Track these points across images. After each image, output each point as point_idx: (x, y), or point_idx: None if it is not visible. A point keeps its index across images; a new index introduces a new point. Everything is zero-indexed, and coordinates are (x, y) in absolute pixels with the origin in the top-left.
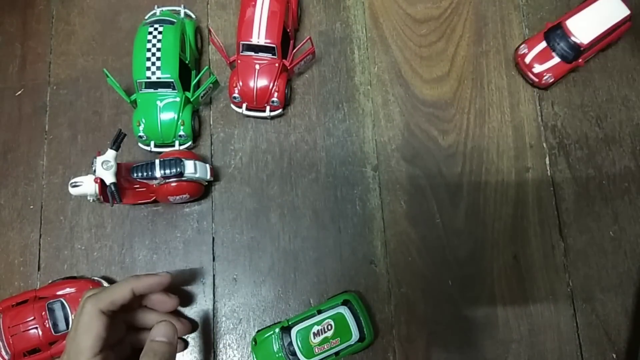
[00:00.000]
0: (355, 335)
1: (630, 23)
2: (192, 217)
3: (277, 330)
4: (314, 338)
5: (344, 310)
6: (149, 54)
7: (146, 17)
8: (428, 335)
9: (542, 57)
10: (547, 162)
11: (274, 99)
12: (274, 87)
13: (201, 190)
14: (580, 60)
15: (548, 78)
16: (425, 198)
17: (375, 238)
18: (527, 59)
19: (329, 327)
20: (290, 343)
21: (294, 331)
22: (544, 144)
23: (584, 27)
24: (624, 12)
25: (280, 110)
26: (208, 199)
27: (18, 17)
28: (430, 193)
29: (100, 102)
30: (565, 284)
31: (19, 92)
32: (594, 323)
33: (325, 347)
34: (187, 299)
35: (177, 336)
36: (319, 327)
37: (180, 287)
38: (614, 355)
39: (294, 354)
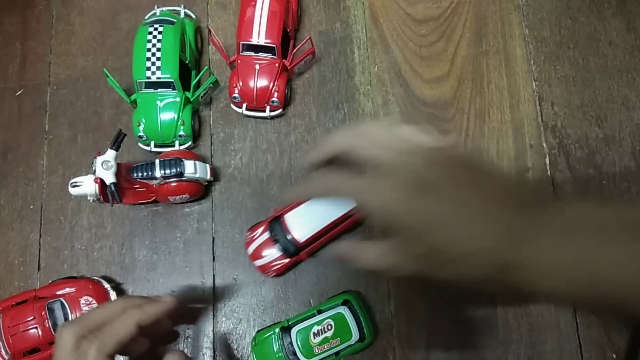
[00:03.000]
0: (355, 335)
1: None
2: (192, 217)
3: (277, 330)
4: (314, 338)
5: (344, 310)
6: (149, 54)
7: (146, 17)
8: (428, 335)
9: (264, 247)
10: (547, 162)
11: (274, 99)
12: (274, 87)
13: (201, 190)
14: (303, 254)
15: (271, 272)
16: None
17: (376, 238)
18: (250, 250)
19: (329, 327)
20: (290, 343)
21: (294, 331)
22: (544, 144)
23: (302, 223)
24: (348, 205)
25: (280, 110)
26: (208, 199)
27: (18, 17)
28: None
29: (100, 102)
30: None
31: (19, 92)
32: (594, 323)
33: (325, 347)
34: (187, 299)
35: None
36: (319, 327)
37: (185, 305)
38: (614, 355)
39: (294, 354)
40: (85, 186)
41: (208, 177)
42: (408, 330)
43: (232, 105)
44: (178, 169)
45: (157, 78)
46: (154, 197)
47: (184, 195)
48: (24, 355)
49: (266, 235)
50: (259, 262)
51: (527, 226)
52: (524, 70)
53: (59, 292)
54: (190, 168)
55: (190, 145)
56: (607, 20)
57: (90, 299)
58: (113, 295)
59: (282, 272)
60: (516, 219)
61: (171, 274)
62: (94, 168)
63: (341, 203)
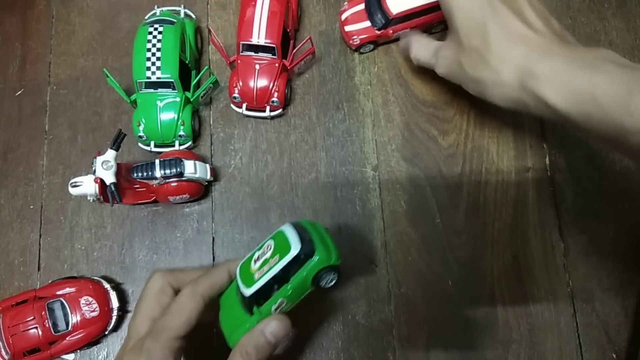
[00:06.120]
0: (295, 246)
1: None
2: (192, 217)
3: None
4: (254, 264)
5: (284, 228)
6: (149, 54)
7: (146, 17)
8: (428, 335)
9: (356, 18)
10: (547, 162)
11: (274, 99)
12: (274, 87)
13: (201, 190)
14: (390, 30)
15: (355, 39)
16: (425, 198)
17: (375, 238)
18: (344, 16)
19: (269, 248)
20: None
21: (237, 267)
22: (544, 144)
23: None
24: None
25: (280, 110)
26: (208, 199)
27: (18, 17)
28: (430, 193)
29: (100, 102)
30: (565, 284)
31: (19, 92)
32: (594, 323)
33: (265, 269)
34: None
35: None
36: (259, 252)
37: None
38: (614, 355)
39: (238, 288)
40: (85, 186)
41: (208, 177)
42: (408, 330)
43: (232, 105)
44: (178, 169)
45: (157, 78)
46: (154, 197)
47: (184, 195)
48: (24, 355)
49: (361, 6)
50: (347, 27)
51: (554, 48)
52: None
53: (59, 292)
54: (190, 168)
55: (190, 145)
56: (607, 20)
57: (90, 299)
58: (113, 295)
59: (365, 44)
60: (552, 41)
61: None
62: (94, 168)
63: None
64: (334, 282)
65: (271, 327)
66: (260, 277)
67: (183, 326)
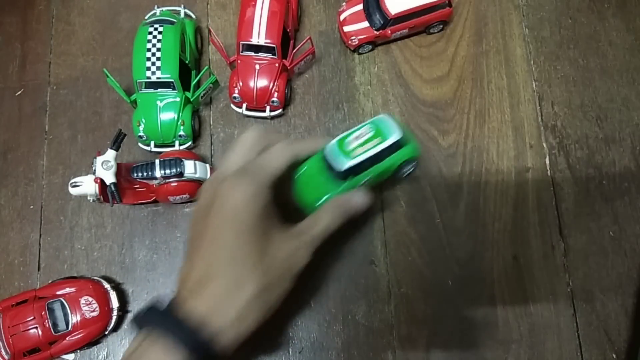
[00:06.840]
0: (396, 133)
1: (450, 10)
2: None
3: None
4: (354, 142)
5: (384, 117)
6: (149, 54)
7: (146, 17)
8: (428, 335)
9: (355, 18)
10: (547, 162)
11: (274, 99)
12: (274, 87)
13: None
14: (388, 31)
15: (354, 40)
16: (425, 198)
17: (375, 238)
18: (342, 17)
19: (368, 130)
20: (326, 157)
21: (328, 146)
22: (544, 144)
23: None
24: None
25: (280, 110)
26: None
27: (18, 17)
28: (430, 193)
29: (100, 102)
30: (565, 284)
31: (19, 92)
32: (594, 323)
33: (366, 147)
34: None
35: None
36: (358, 132)
37: None
38: (614, 355)
39: (334, 160)
40: (85, 186)
41: (208, 177)
42: (408, 330)
43: (232, 105)
44: (178, 169)
45: (157, 78)
46: (154, 197)
47: (184, 195)
48: (24, 355)
49: (360, 6)
50: (346, 28)
51: None
52: (524, 70)
53: (59, 292)
54: (190, 168)
55: (190, 145)
56: (607, 20)
57: (90, 299)
58: (113, 295)
59: (363, 44)
60: None
61: (171, 273)
62: (94, 168)
63: None
64: (411, 171)
65: (359, 194)
66: (360, 154)
67: (277, 167)
